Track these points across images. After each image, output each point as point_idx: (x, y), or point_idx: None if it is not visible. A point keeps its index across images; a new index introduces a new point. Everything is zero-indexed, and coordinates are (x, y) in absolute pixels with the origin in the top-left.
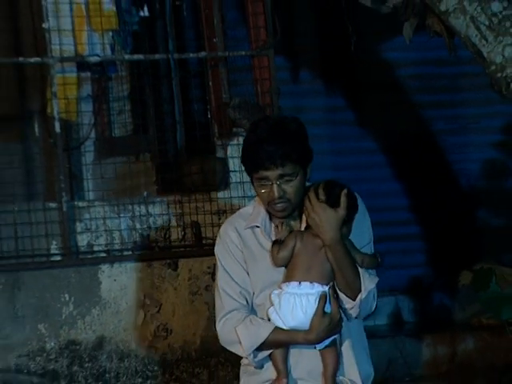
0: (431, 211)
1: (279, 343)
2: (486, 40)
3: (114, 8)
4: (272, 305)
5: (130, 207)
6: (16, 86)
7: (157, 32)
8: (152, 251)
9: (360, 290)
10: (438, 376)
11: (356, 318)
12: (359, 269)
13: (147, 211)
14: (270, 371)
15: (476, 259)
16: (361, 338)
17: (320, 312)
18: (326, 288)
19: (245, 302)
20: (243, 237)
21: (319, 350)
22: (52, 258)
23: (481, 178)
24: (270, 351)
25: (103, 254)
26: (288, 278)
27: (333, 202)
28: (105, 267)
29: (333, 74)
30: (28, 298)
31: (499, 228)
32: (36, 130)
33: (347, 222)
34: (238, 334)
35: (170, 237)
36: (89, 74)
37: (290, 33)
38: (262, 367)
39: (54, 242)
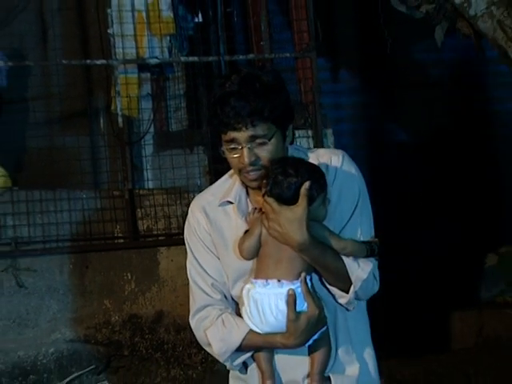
0: (461, 198)
1: (257, 347)
2: None
3: (172, 15)
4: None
5: (186, 195)
6: (84, 86)
7: (210, 36)
8: None
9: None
10: (465, 349)
11: (357, 299)
12: (345, 259)
13: None
14: (256, 378)
15: (501, 242)
16: (361, 323)
17: (291, 316)
18: (297, 284)
19: (219, 296)
20: (212, 217)
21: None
22: (116, 241)
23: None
24: (251, 353)
25: (162, 238)
26: (256, 273)
27: (287, 199)
28: (163, 249)
29: (370, 74)
30: (95, 277)
31: None
32: (101, 125)
33: (314, 201)
34: (208, 338)
35: None
36: (148, 74)
37: (330, 36)
38: (245, 371)
39: (118, 227)
